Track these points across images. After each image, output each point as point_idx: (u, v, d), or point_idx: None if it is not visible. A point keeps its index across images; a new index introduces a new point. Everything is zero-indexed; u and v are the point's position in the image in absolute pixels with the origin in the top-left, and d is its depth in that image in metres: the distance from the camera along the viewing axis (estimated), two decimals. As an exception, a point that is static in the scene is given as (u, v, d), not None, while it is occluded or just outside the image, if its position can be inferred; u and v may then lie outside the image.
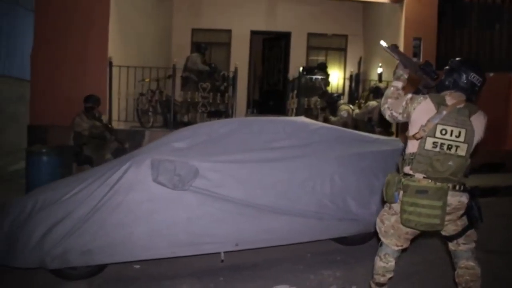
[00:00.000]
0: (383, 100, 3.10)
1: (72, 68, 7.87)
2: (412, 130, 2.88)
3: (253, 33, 12.80)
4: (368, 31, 12.19)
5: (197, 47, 9.96)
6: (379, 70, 9.19)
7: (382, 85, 8.02)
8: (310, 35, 12.84)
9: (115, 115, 8.20)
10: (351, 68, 10.92)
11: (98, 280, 3.93)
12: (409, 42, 9.02)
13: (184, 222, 3.84)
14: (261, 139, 4.35)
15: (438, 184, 2.75)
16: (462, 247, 2.98)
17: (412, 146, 2.87)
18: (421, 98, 2.88)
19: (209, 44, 11.53)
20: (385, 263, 3.07)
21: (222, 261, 4.03)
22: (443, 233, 3.00)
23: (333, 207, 4.23)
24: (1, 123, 9.00)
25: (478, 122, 2.80)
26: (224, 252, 4.02)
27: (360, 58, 11.12)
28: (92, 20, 7.94)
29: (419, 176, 2.82)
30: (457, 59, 2.99)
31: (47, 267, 3.63)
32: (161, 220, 3.79)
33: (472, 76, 2.86)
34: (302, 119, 5.06)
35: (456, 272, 3.01)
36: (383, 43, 3.25)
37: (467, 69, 2.88)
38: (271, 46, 13.45)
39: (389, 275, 3.09)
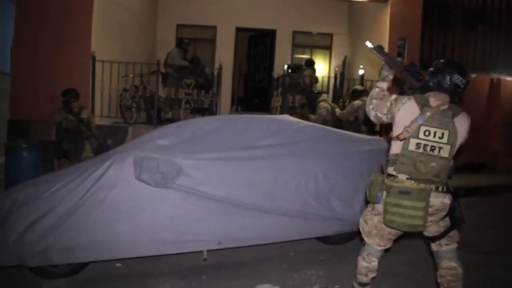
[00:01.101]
0: (368, 100, 3.10)
1: (54, 62, 7.75)
2: (396, 131, 2.89)
3: (238, 30, 12.76)
4: (353, 30, 12.25)
5: (179, 42, 9.84)
6: (361, 71, 9.25)
7: (358, 87, 8.03)
8: (295, 33, 12.85)
9: (98, 111, 8.11)
10: (336, 67, 10.96)
11: (79, 278, 3.88)
12: (394, 42, 9.08)
13: (167, 220, 3.82)
14: (246, 137, 4.33)
15: (421, 185, 2.77)
16: (444, 248, 3.01)
17: (396, 147, 2.88)
18: (406, 99, 2.89)
19: (194, 40, 11.49)
20: (368, 263, 3.08)
21: (205, 259, 4.02)
22: (426, 233, 3.02)
23: (318, 206, 4.24)
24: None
25: (462, 124, 2.81)
26: (208, 251, 4.00)
27: (345, 57, 11.17)
28: (75, 13, 7.83)
29: (402, 177, 2.83)
30: (442, 60, 3.01)
31: (27, 265, 3.57)
32: (144, 218, 3.76)
33: (456, 78, 2.88)
34: (287, 117, 5.06)
35: (438, 272, 3.03)
36: (368, 44, 3.25)
37: (451, 71, 2.90)
38: (256, 43, 13.43)
39: (372, 275, 3.11)
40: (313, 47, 13.07)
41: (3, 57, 7.94)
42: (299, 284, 3.92)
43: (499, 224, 5.95)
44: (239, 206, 3.98)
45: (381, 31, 9.45)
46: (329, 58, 12.96)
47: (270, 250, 4.50)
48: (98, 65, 7.99)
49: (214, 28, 12.65)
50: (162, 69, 8.88)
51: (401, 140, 2.82)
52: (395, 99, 2.92)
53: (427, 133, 2.75)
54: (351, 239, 4.69)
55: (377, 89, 3.10)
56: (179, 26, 12.57)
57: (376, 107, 3.01)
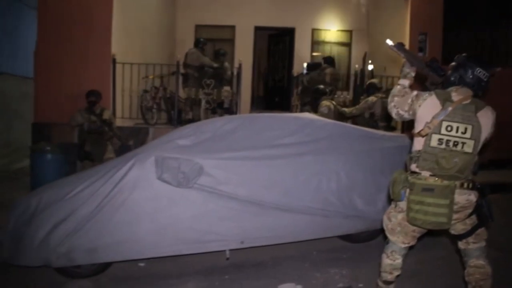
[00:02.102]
0: (390, 98, 3.06)
1: (75, 65, 7.83)
2: (418, 127, 2.85)
3: (257, 29, 12.73)
4: (373, 26, 12.09)
5: (195, 42, 9.82)
6: (370, 67, 9.14)
7: (375, 81, 7.93)
8: (314, 31, 12.77)
9: (119, 112, 8.18)
10: (356, 64, 10.85)
11: (102, 278, 3.93)
12: (415, 37, 8.94)
13: (189, 219, 3.84)
14: (266, 136, 4.31)
15: (445, 182, 2.71)
16: (472, 246, 2.94)
17: (418, 144, 2.84)
18: (427, 95, 2.85)
19: (213, 40, 11.48)
20: (392, 260, 3.04)
21: (228, 259, 4.02)
22: (452, 231, 2.97)
23: (339, 204, 4.20)
24: (6, 121, 9.02)
25: (486, 118, 2.76)
26: (230, 250, 4.01)
27: (365, 54, 11.04)
28: (95, 17, 7.90)
29: (425, 174, 2.78)
30: (463, 54, 2.95)
31: (52, 265, 3.64)
32: (165, 218, 3.79)
33: (478, 71, 2.82)
34: (307, 115, 5.02)
35: (466, 271, 2.97)
36: (389, 41, 3.19)
37: (473, 64, 2.84)
38: (276, 42, 13.39)
39: (396, 273, 3.06)
40: (332, 44, 12.96)
41: (26, 62, 8.10)
42: (322, 283, 3.89)
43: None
44: (261, 205, 3.98)
45: (402, 27, 9.32)
46: (348, 54, 12.84)
47: (291, 249, 4.48)
48: (118, 67, 8.04)
49: (233, 27, 12.63)
50: (182, 70, 8.91)
51: (423, 137, 2.78)
52: (416, 96, 2.88)
53: (449, 128, 2.70)
54: (374, 237, 4.64)
55: (398, 86, 3.06)
56: (198, 27, 12.58)
57: (397, 105, 2.97)
